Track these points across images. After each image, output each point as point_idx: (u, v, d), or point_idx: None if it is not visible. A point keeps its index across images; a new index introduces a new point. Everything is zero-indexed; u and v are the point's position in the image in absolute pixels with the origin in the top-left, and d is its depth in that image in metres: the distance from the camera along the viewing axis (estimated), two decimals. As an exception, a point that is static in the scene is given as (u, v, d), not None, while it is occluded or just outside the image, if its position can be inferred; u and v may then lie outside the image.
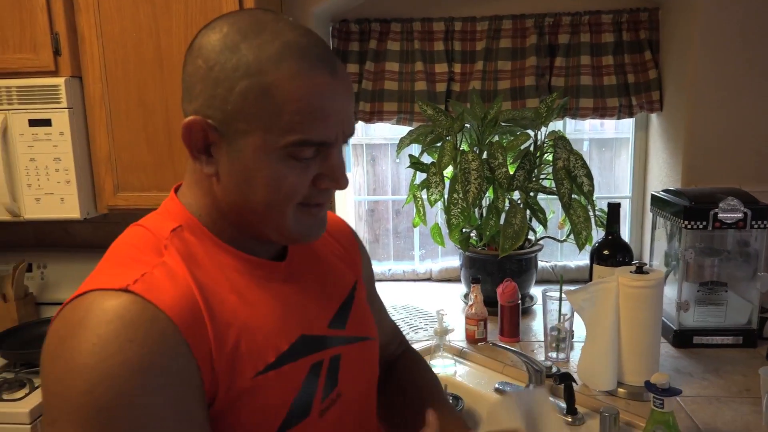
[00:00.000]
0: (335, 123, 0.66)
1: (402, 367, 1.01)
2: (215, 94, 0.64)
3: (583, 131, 2.25)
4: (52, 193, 1.66)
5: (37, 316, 1.96)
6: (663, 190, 1.73)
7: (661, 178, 2.02)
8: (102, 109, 1.66)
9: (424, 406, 0.86)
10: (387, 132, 2.31)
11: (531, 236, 1.95)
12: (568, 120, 2.17)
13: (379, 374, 0.89)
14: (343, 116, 0.67)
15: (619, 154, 2.25)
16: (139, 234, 0.70)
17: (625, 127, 2.22)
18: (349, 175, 2.27)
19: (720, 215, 1.53)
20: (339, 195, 2.01)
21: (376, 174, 2.35)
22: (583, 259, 2.21)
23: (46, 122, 1.63)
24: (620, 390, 1.38)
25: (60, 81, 1.61)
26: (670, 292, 1.65)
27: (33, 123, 1.63)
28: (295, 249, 0.80)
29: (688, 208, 1.55)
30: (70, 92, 1.63)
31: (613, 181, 2.26)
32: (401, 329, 1.11)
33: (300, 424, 0.70)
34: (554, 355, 1.56)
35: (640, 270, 1.36)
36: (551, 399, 1.37)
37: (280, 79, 0.62)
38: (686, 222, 1.55)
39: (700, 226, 1.54)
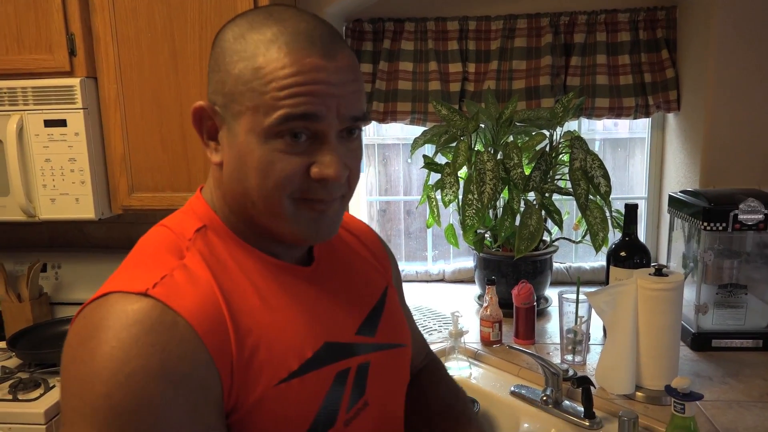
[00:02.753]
0: (323, 100, 0.63)
1: (425, 380, 0.99)
2: (219, 79, 0.66)
3: (596, 131, 2.22)
4: (67, 194, 1.67)
5: (51, 316, 1.97)
6: (681, 191, 1.71)
7: (678, 179, 2.00)
8: (117, 109, 1.66)
9: (443, 423, 0.84)
10: (399, 132, 2.30)
11: (546, 237, 1.93)
12: (582, 121, 2.15)
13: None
14: (338, 97, 0.64)
15: (634, 155, 2.22)
16: (162, 234, 0.70)
17: (639, 127, 2.19)
18: (361, 174, 2.24)
19: (740, 217, 1.51)
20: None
21: (388, 174, 2.34)
22: (598, 261, 2.19)
23: (62, 123, 1.63)
24: (638, 394, 1.36)
25: (75, 82, 1.61)
26: (688, 294, 1.62)
27: (48, 123, 1.64)
28: (322, 254, 0.78)
29: (707, 210, 1.53)
30: (85, 93, 1.63)
31: (627, 181, 2.24)
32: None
33: None
34: (570, 357, 1.55)
35: (659, 272, 1.34)
36: (567, 402, 1.36)
37: (268, 60, 0.62)
38: (705, 223, 1.53)
39: (720, 228, 1.52)
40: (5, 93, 1.63)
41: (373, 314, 0.80)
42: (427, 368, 1.03)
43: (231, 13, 1.56)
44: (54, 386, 1.56)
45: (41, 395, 1.52)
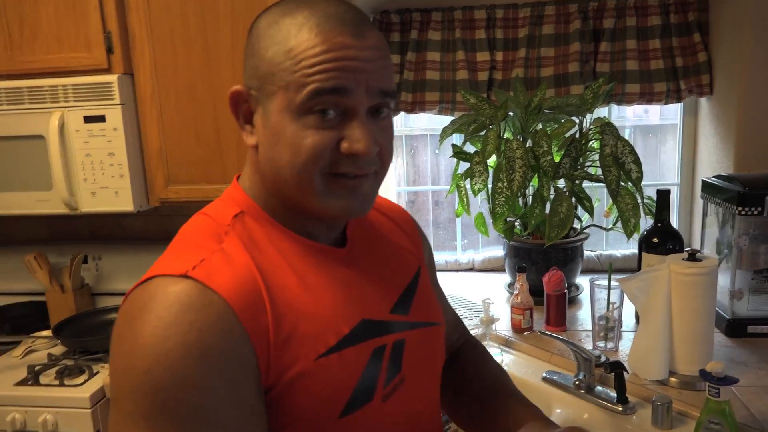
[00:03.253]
0: (352, 74, 0.65)
1: (465, 358, 1.01)
2: (253, 65, 0.69)
3: (626, 118, 2.20)
4: (107, 187, 1.72)
5: (92, 306, 2.04)
6: (714, 176, 1.69)
7: (712, 164, 1.97)
8: (153, 105, 1.71)
9: (494, 400, 0.86)
10: (427, 123, 2.31)
11: (576, 225, 1.92)
12: (612, 107, 2.13)
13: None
14: (367, 72, 0.66)
15: (665, 141, 2.19)
16: (202, 222, 0.73)
17: (671, 113, 2.16)
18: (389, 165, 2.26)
19: (776, 201, 1.49)
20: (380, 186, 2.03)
21: (416, 165, 2.36)
22: (629, 248, 2.17)
23: (101, 118, 1.69)
24: (672, 379, 1.36)
25: (113, 78, 1.66)
26: (722, 280, 1.61)
27: (88, 119, 1.69)
28: (356, 234, 0.81)
29: (741, 194, 1.51)
30: (122, 89, 1.68)
31: (659, 168, 2.21)
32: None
33: (362, 408, 0.70)
34: (602, 344, 1.55)
35: (692, 257, 1.33)
36: (600, 388, 1.36)
37: (299, 41, 0.65)
38: (740, 208, 1.51)
39: (755, 212, 1.50)
40: (47, 91, 1.69)
41: (407, 293, 0.82)
42: (469, 345, 1.05)
43: (262, 8, 1.58)
44: (98, 372, 1.63)
45: (86, 381, 1.58)
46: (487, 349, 1.56)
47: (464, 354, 1.03)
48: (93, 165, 1.72)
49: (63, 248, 2.08)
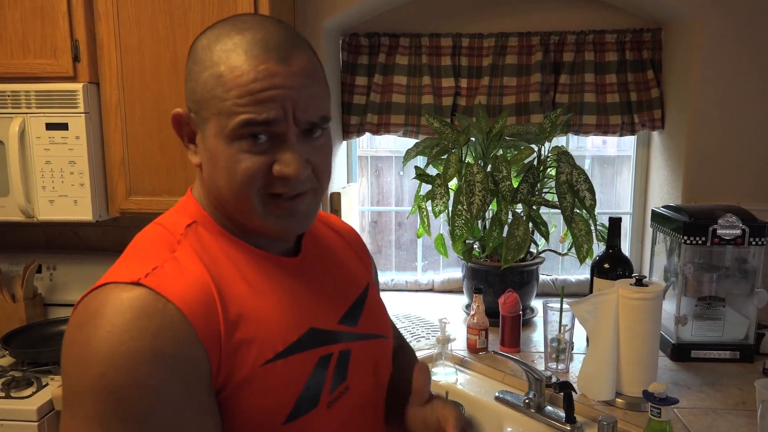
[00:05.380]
0: (280, 104, 0.67)
1: (395, 365, 1.04)
2: (190, 88, 0.72)
3: (585, 149, 2.29)
4: (66, 196, 1.70)
5: (44, 317, 1.99)
6: (663, 206, 1.77)
7: (662, 195, 2.06)
8: (118, 115, 1.70)
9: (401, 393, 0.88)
10: (392, 144, 2.35)
11: (533, 249, 1.98)
12: (570, 138, 2.21)
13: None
14: (294, 101, 0.68)
15: (621, 172, 2.29)
16: (155, 231, 0.75)
17: (627, 145, 2.26)
18: (353, 185, 2.28)
19: (719, 231, 1.56)
20: (344, 205, 2.05)
21: (380, 186, 2.39)
22: (583, 274, 2.24)
23: (63, 126, 1.67)
24: (618, 400, 1.40)
25: (78, 87, 1.66)
26: (668, 306, 1.68)
27: (50, 126, 1.68)
28: (308, 247, 0.83)
29: (687, 224, 1.58)
30: (87, 98, 1.67)
31: (615, 197, 2.30)
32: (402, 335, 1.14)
33: (308, 414, 0.72)
34: (554, 365, 1.59)
35: (639, 282, 1.39)
36: (550, 408, 1.40)
37: (228, 68, 0.67)
38: (685, 237, 1.59)
39: (699, 242, 1.58)
40: (8, 96, 1.67)
41: (356, 306, 0.85)
42: (400, 350, 1.07)
43: (232, 24, 1.61)
44: (47, 384, 1.59)
45: (33, 393, 1.54)
46: (444, 368, 1.60)
47: (395, 360, 1.05)
48: (53, 173, 1.70)
49: (16, 256, 2.03)
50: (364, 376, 0.82)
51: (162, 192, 1.73)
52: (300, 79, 0.69)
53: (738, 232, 1.56)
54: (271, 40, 0.68)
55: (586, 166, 2.28)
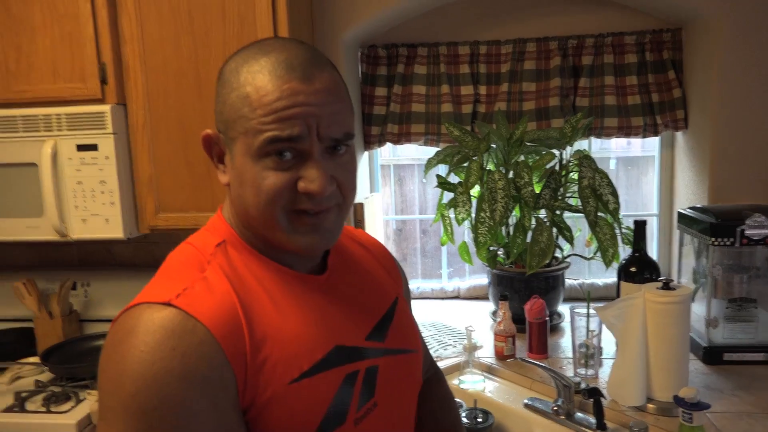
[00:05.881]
0: (303, 121, 0.69)
1: (431, 398, 1.06)
2: (219, 110, 0.75)
3: (610, 150, 2.27)
4: (98, 214, 1.75)
5: (80, 333, 2.04)
6: (689, 207, 1.75)
7: (688, 196, 2.03)
8: (145, 134, 1.75)
9: None
10: (414, 152, 2.37)
11: (558, 254, 1.97)
12: (593, 139, 2.20)
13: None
14: (317, 117, 0.70)
15: (647, 172, 2.26)
16: (186, 251, 0.77)
17: (652, 144, 2.24)
18: (376, 195, 2.30)
19: (747, 232, 1.54)
20: (367, 215, 2.06)
21: (404, 194, 2.41)
22: (611, 277, 2.22)
23: (93, 147, 1.72)
24: (649, 406, 1.39)
25: (106, 108, 1.71)
26: (699, 309, 1.65)
27: (80, 148, 1.73)
28: (335, 264, 0.85)
29: (714, 225, 1.56)
30: (115, 119, 1.72)
31: (641, 198, 2.28)
32: (430, 345, 1.16)
33: (335, 431, 0.73)
34: (583, 371, 1.58)
35: (666, 286, 1.38)
36: (580, 414, 1.39)
37: (254, 88, 0.70)
38: (713, 239, 1.57)
39: (727, 243, 1.56)
40: (41, 119, 1.73)
41: (384, 321, 0.85)
42: (436, 381, 1.10)
43: (252, 40, 1.65)
44: (84, 399, 1.63)
45: (72, 408, 1.58)
46: (471, 375, 1.60)
47: (430, 392, 1.07)
48: (84, 192, 1.75)
49: (52, 274, 2.09)
50: (392, 391, 0.83)
51: (190, 208, 1.77)
52: (323, 96, 0.71)
53: (766, 231, 1.54)
54: (295, 60, 0.71)
55: (611, 167, 2.27)
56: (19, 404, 1.59)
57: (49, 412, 1.56)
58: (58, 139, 1.73)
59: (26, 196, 1.77)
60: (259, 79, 0.70)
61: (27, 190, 1.76)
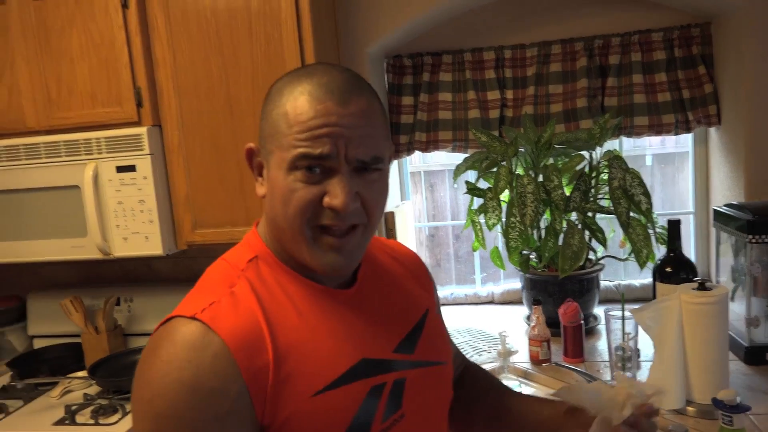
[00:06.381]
0: (333, 141, 0.72)
1: (471, 380, 1.07)
2: (263, 125, 0.79)
3: (644, 147, 2.24)
4: (138, 232, 1.82)
5: (125, 347, 2.11)
6: (725, 205, 1.71)
7: (724, 192, 1.99)
8: (180, 154, 1.81)
9: (514, 405, 0.96)
10: (444, 159, 2.38)
11: (592, 256, 1.95)
12: (626, 139, 2.17)
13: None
14: (346, 139, 0.73)
15: (682, 169, 2.22)
16: (220, 267, 0.81)
17: (686, 141, 2.19)
18: (407, 203, 2.31)
19: (785, 228, 1.51)
20: (398, 223, 2.08)
21: (435, 200, 2.42)
22: (647, 278, 2.19)
23: (131, 168, 1.79)
24: (689, 408, 1.37)
25: (142, 130, 1.77)
26: (739, 308, 1.62)
27: (120, 169, 1.80)
28: (365, 277, 0.86)
29: (751, 222, 1.53)
30: (151, 140, 1.79)
31: (678, 195, 2.24)
32: (465, 351, 1.16)
33: None
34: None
35: (702, 287, 1.36)
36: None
37: (293, 107, 0.74)
38: (750, 236, 1.53)
39: (765, 240, 1.52)
40: (82, 144, 1.81)
41: (413, 333, 0.86)
42: (471, 369, 1.11)
43: (279, 61, 1.69)
44: (131, 411, 1.69)
45: (119, 419, 1.64)
46: (506, 381, 1.60)
47: (469, 376, 1.08)
48: (125, 212, 1.82)
49: (96, 291, 2.18)
50: (421, 402, 0.84)
51: (225, 223, 1.82)
52: (355, 119, 0.74)
53: (807, 227, 1.50)
54: (333, 83, 0.75)
55: (648, 163, 2.23)
56: (70, 417, 1.65)
57: (97, 424, 1.63)
58: (98, 161, 1.81)
59: (70, 218, 1.85)
60: (299, 99, 0.74)
61: (71, 212, 1.84)
